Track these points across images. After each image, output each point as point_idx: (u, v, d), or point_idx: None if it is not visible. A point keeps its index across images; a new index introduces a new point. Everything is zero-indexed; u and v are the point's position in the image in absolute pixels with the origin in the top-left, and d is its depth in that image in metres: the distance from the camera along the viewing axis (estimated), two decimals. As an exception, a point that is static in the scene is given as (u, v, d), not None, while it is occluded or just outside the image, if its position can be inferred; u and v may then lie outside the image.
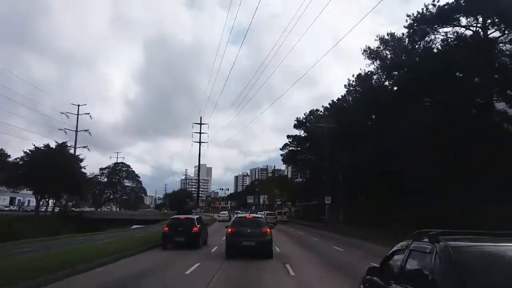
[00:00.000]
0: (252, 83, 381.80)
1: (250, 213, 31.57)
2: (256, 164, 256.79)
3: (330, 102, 56.37)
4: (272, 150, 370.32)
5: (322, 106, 62.93)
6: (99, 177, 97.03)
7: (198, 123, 73.28)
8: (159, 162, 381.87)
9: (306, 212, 64.53)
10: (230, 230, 15.75)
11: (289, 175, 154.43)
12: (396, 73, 36.46)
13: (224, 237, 16.67)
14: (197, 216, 23.56)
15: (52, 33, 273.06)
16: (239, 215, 20.48)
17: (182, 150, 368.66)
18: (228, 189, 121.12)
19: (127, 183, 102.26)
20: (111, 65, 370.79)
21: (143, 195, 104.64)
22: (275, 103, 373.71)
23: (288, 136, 71.24)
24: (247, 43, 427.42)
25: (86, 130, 78.28)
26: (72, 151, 67.22)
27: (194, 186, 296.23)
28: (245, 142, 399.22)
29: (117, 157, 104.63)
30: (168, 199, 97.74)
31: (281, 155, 74.02)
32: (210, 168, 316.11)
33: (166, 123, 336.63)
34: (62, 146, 63.83)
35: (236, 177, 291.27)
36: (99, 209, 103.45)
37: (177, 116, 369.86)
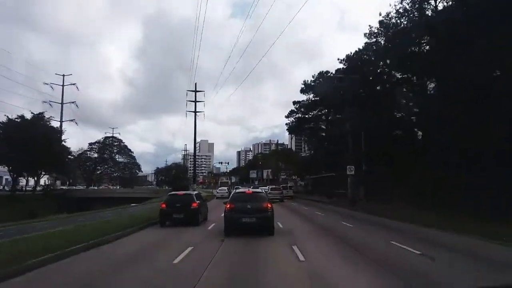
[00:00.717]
0: (253, 57, 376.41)
1: (252, 187, 29.65)
2: (259, 140, 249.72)
3: (345, 57, 47.53)
4: (275, 126, 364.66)
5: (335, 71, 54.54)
6: (88, 152, 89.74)
7: (193, 91, 66.16)
8: (161, 139, 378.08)
9: (316, 187, 57.02)
10: (228, 206, 14.87)
11: (294, 149, 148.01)
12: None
13: (223, 214, 15.59)
14: (196, 191, 23.31)
15: (50, 12, 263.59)
16: (238, 190, 18.62)
17: (184, 126, 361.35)
18: (228, 163, 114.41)
19: (119, 158, 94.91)
20: (109, 43, 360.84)
21: (137, 171, 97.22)
22: (278, 77, 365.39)
23: (294, 102, 63.23)
24: (248, 16, 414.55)
25: (72, 102, 71.16)
26: (57, 124, 60.39)
27: (197, 162, 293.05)
28: (248, 118, 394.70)
29: (113, 133, 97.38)
30: (161, 174, 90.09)
31: (286, 124, 66.20)
32: (212, 144, 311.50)
33: (167, 101, 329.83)
34: (39, 117, 56.09)
35: (239, 153, 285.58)
36: (91, 187, 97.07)
37: (177, 93, 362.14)
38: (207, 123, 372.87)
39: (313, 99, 59.20)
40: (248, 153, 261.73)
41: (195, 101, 67.96)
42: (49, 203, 51.30)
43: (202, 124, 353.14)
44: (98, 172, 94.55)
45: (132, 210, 34.52)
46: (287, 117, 63.92)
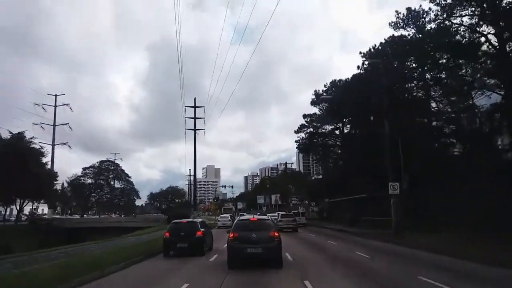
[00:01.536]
0: (259, 83, 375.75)
1: (258, 214, 28.61)
2: (266, 165, 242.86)
3: (365, 51, 39.75)
4: (281, 151, 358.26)
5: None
6: (82, 178, 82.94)
7: (192, 106, 59.95)
8: (168, 166, 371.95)
9: (333, 212, 48.96)
10: (232, 235, 13.64)
11: (302, 171, 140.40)
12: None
13: (226, 244, 14.57)
14: (200, 219, 23.26)
15: (57, 39, 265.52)
16: (241, 218, 16.18)
17: (191, 153, 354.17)
18: (232, 186, 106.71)
19: (116, 184, 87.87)
20: (116, 71, 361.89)
21: (135, 197, 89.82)
22: (283, 103, 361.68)
23: (305, 116, 56.29)
24: (253, 43, 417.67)
25: (65, 124, 65.26)
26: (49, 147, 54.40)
27: (203, 188, 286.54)
28: (254, 143, 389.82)
29: (115, 159, 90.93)
30: (155, 201, 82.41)
31: (296, 141, 59.05)
32: (219, 169, 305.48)
33: (173, 127, 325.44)
34: (18, 137, 49.75)
35: (246, 178, 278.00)
36: (86, 215, 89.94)
37: (183, 119, 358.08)
38: (212, 149, 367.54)
39: (325, 107, 52.21)
40: (255, 178, 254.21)
41: (194, 118, 62.02)
42: (34, 235, 45.76)
43: (204, 144, 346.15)
44: (92, 199, 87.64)
45: (126, 242, 30.46)
46: (297, 132, 56.87)
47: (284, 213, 44.33)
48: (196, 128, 64.84)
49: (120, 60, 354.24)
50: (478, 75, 29.24)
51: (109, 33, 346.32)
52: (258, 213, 40.99)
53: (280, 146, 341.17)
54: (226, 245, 14.63)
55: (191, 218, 26.63)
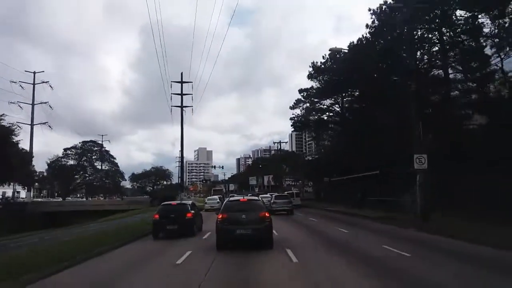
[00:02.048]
0: (253, 65, 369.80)
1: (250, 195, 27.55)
2: (259, 147, 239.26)
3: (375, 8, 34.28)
4: (274, 133, 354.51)
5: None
6: (62, 160, 77.92)
7: (178, 82, 54.91)
8: (160, 149, 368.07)
9: (334, 193, 44.52)
10: (221, 216, 13.26)
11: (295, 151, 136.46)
12: None
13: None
14: (191, 201, 23.29)
15: (48, 23, 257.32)
16: (231, 198, 15.45)
17: (185, 134, 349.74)
18: (222, 167, 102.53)
19: (99, 166, 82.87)
20: (107, 53, 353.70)
21: (120, 179, 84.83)
22: (277, 85, 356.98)
23: (301, 90, 51.55)
24: (247, 24, 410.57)
25: (45, 103, 59.82)
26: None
27: (195, 170, 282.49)
28: (247, 126, 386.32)
29: (102, 140, 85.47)
30: (137, 182, 77.58)
31: (291, 118, 54.53)
32: (211, 152, 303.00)
33: (165, 110, 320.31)
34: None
35: (238, 160, 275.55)
36: (69, 198, 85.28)
37: (177, 102, 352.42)
38: (205, 132, 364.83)
39: (324, 82, 47.55)
40: (247, 160, 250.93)
41: (181, 94, 57.24)
42: (7, 219, 42.27)
43: (195, 126, 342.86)
44: (75, 181, 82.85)
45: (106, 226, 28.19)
46: (292, 107, 52.32)
47: (278, 194, 40.24)
48: (183, 105, 60.01)
49: (111, 42, 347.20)
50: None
51: (101, 16, 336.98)
52: (250, 194, 37.24)
53: (273, 129, 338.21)
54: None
55: (178, 200, 26.56)
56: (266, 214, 13.22)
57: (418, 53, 31.44)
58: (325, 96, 49.05)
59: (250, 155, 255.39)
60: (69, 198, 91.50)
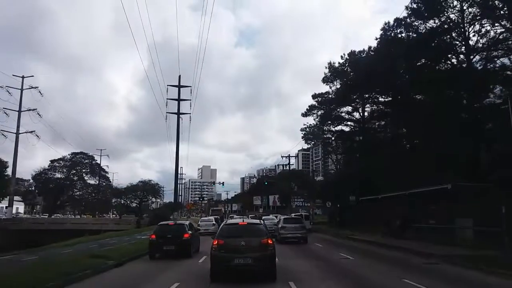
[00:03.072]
0: (259, 85, 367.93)
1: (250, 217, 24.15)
2: (264, 167, 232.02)
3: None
4: (280, 153, 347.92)
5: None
6: (48, 172, 71.06)
7: (175, 86, 48.85)
8: (164, 167, 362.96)
9: (356, 217, 35.73)
10: (216, 242, 11.59)
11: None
12: None
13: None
14: (188, 221, 22.87)
15: (57, 39, 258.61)
16: (228, 222, 13.79)
17: (188, 154, 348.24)
18: (223, 183, 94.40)
19: (90, 180, 75.87)
20: (114, 70, 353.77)
21: (112, 196, 77.05)
22: (283, 105, 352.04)
23: (315, 96, 44.59)
24: (254, 45, 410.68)
25: (33, 110, 52.92)
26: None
27: (198, 189, 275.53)
28: (252, 145, 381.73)
29: (101, 155, 78.64)
30: (119, 197, 69.43)
31: (302, 130, 47.44)
32: (215, 170, 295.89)
33: (172, 128, 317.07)
34: None
35: (243, 179, 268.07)
36: (57, 215, 78.11)
37: (183, 120, 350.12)
38: (210, 150, 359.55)
39: (342, 86, 40.55)
40: (252, 179, 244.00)
41: (178, 100, 51.29)
42: None
43: (200, 144, 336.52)
44: (63, 196, 75.83)
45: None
46: (304, 115, 45.04)
47: (288, 216, 31.27)
48: (180, 112, 53.46)
49: (119, 59, 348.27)
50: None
51: (108, 32, 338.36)
52: (250, 216, 31.65)
53: (278, 149, 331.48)
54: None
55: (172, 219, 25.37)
56: (269, 241, 11.71)
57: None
58: (344, 102, 41.98)
59: (255, 175, 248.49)
60: (59, 215, 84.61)
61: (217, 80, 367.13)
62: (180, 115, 49.74)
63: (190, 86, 51.50)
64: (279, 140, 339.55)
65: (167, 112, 49.26)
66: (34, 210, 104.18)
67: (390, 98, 36.59)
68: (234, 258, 11.23)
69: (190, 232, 18.25)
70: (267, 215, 42.55)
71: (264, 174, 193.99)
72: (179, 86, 50.98)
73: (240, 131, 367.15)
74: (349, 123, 44.59)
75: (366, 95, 39.96)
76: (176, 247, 17.06)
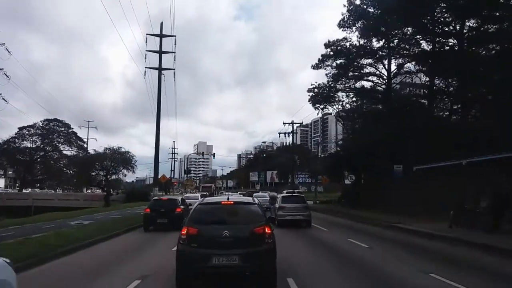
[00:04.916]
0: (258, 60, 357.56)
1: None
2: (261, 144, 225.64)
3: None
4: (278, 130, 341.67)
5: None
6: (16, 141, 62.11)
7: (156, 35, 39.71)
8: (162, 143, 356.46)
9: (383, 195, 27.25)
10: (185, 231, 7.77)
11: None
12: None
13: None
14: (181, 197, 26.30)
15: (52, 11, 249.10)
16: (206, 200, 9.27)
17: (187, 130, 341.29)
18: (214, 154, 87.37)
19: (66, 150, 66.88)
20: (110, 44, 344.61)
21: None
22: (282, 82, 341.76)
23: (328, 44, 35.46)
24: (253, 18, 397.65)
25: None
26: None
27: (194, 165, 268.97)
28: (249, 123, 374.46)
29: (88, 126, 69.52)
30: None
31: (309, 90, 38.32)
32: (211, 146, 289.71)
33: (170, 105, 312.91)
34: None
35: (239, 156, 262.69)
36: (31, 190, 69.75)
37: (180, 96, 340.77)
38: (207, 127, 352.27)
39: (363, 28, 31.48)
40: (249, 155, 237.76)
41: (160, 52, 41.98)
42: None
43: (198, 121, 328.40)
44: (37, 168, 67.17)
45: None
46: (316, 67, 35.80)
47: (288, 194, 24.65)
48: (162, 67, 44.02)
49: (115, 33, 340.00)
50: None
51: (105, 5, 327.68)
52: (239, 193, 28.61)
53: (276, 127, 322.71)
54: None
55: (153, 196, 27.26)
56: (266, 229, 7.77)
57: None
58: (368, 52, 33.02)
59: (252, 151, 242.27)
60: (36, 190, 76.31)
61: (215, 54, 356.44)
62: (162, 71, 40.92)
63: (174, 36, 42.14)
64: (277, 118, 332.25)
65: (146, 67, 40.41)
66: (17, 184, 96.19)
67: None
68: (213, 256, 7.50)
69: (182, 207, 19.36)
70: (259, 192, 38.76)
71: (262, 149, 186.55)
72: (161, 36, 41.68)
73: (238, 108, 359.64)
74: (371, 78, 35.70)
75: (396, 39, 31.12)
76: (168, 220, 17.98)
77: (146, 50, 39.55)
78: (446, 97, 31.11)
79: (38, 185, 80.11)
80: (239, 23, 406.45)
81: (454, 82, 30.11)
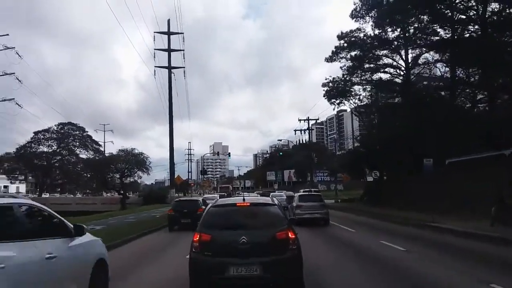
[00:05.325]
0: (268, 58, 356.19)
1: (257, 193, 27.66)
2: (277, 144, 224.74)
3: None
4: (292, 129, 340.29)
5: None
6: (31, 145, 62.58)
7: (164, 32, 39.20)
8: (178, 145, 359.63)
9: (407, 193, 25.81)
10: (197, 238, 6.98)
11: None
12: None
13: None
14: (202, 197, 27.70)
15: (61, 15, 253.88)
16: (218, 202, 8.17)
17: (201, 131, 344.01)
18: (229, 154, 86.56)
19: (82, 154, 67.20)
20: (122, 46, 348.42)
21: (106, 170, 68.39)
22: (293, 79, 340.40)
23: (341, 36, 34.32)
24: (261, 15, 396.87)
25: (10, 74, 42.90)
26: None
27: (211, 166, 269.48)
28: (264, 122, 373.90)
29: (104, 130, 70.63)
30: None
31: (323, 85, 37.21)
32: (227, 147, 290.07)
33: (182, 106, 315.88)
34: None
35: (255, 155, 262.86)
36: (51, 195, 70.66)
37: (192, 97, 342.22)
38: (222, 128, 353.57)
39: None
40: (265, 155, 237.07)
41: (169, 50, 42.33)
42: None
43: (210, 120, 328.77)
44: (54, 174, 67.71)
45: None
46: (329, 59, 34.76)
47: (304, 193, 25.48)
48: (172, 66, 44.25)
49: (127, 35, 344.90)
50: None
51: (117, 7, 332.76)
52: (256, 193, 27.83)
53: (291, 126, 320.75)
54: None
55: (170, 198, 29.19)
56: (290, 234, 6.92)
57: None
58: (384, 42, 31.80)
59: (267, 151, 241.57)
60: (56, 194, 77.25)
61: (225, 54, 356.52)
62: (172, 70, 40.61)
63: (182, 33, 41.75)
64: (290, 117, 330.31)
65: (155, 66, 40.12)
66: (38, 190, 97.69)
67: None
68: (230, 266, 6.69)
69: (203, 207, 19.52)
70: (276, 192, 39.07)
71: (277, 147, 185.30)
72: (169, 33, 41.45)
73: (250, 107, 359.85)
74: (388, 69, 34.43)
75: (411, 28, 29.86)
76: (192, 220, 18.06)
77: (155, 49, 39.04)
78: (467, 87, 29.68)
79: (59, 189, 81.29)
80: (248, 21, 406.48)
81: (475, 72, 28.77)
